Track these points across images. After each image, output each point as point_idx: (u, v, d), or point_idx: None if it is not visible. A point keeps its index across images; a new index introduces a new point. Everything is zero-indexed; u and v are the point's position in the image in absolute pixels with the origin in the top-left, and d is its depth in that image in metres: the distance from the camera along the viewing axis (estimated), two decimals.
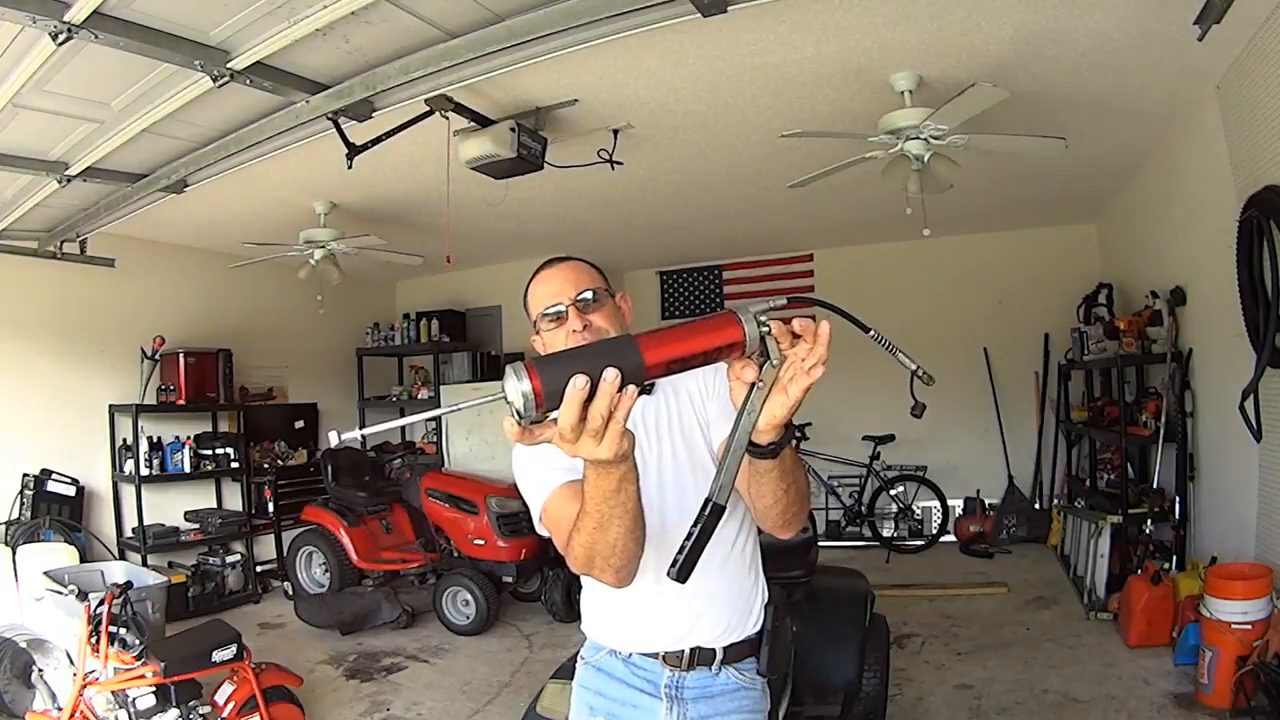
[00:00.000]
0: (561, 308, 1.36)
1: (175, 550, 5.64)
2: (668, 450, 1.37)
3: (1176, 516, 4.44)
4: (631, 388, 0.85)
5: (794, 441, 1.06)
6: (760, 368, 0.91)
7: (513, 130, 3.46)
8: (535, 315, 1.40)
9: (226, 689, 3.04)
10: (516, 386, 0.82)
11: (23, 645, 3.45)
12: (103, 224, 4.40)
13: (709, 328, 0.89)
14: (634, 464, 1.01)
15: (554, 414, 0.85)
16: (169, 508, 5.75)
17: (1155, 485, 4.61)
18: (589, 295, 1.37)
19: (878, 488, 6.86)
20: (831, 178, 3.97)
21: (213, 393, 5.84)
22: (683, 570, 0.92)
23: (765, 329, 0.89)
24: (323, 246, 4.91)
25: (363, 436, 0.88)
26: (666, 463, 1.37)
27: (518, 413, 0.83)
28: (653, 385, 1.42)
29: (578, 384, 0.82)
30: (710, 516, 0.91)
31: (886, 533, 6.81)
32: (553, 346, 1.37)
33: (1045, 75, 3.46)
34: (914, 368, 0.99)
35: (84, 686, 2.94)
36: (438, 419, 6.02)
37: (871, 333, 0.99)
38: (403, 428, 7.84)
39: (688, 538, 0.91)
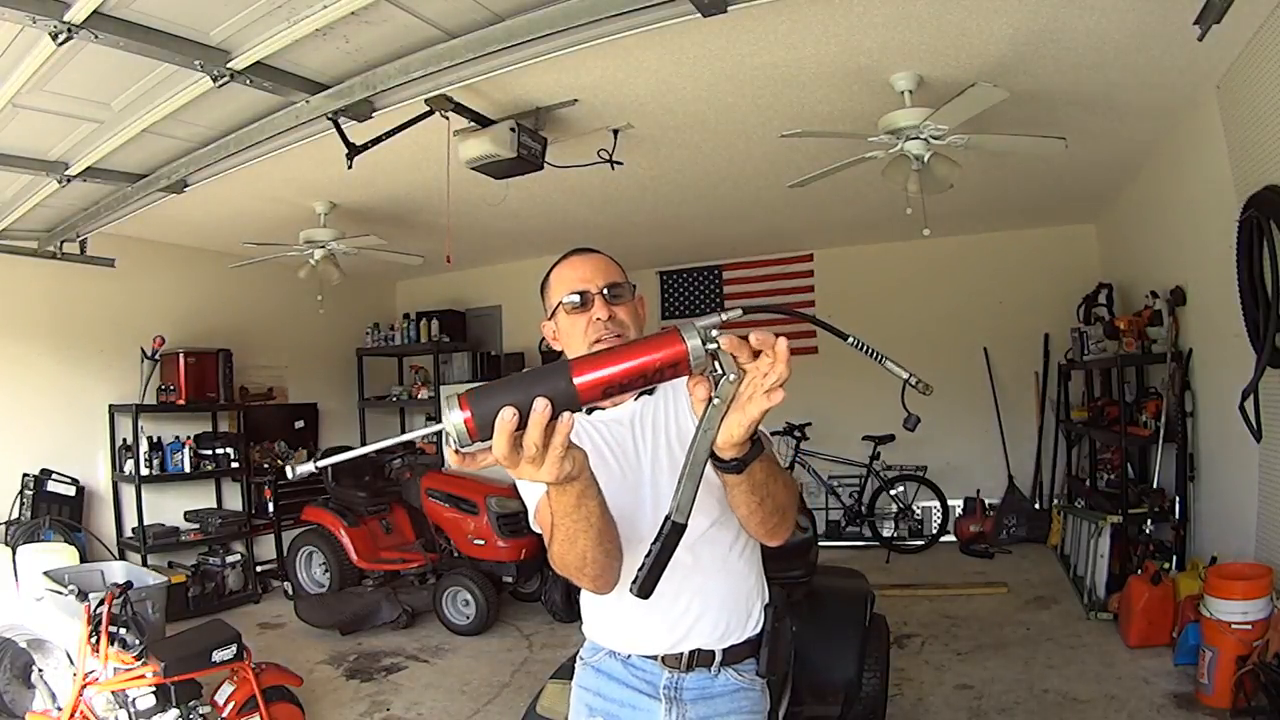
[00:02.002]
0: (589, 293, 1.36)
1: (175, 550, 5.64)
2: (664, 452, 1.36)
3: (1176, 516, 4.44)
4: (566, 415, 0.85)
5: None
6: (716, 384, 0.89)
7: (513, 130, 3.46)
8: (557, 300, 1.40)
9: (226, 689, 3.04)
10: (449, 418, 0.83)
11: (23, 645, 3.45)
12: (103, 224, 4.39)
13: (647, 346, 0.87)
14: (591, 481, 1.01)
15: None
16: (169, 508, 5.75)
17: (1155, 485, 4.61)
18: (618, 288, 1.37)
19: (878, 488, 6.86)
20: (831, 178, 3.96)
21: (213, 393, 5.84)
22: (644, 587, 0.92)
23: (713, 345, 0.87)
24: (323, 246, 4.91)
25: (317, 468, 0.87)
26: (662, 464, 1.36)
27: (456, 442, 0.84)
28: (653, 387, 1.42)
29: (505, 417, 0.82)
30: (670, 535, 0.90)
31: (886, 533, 6.81)
32: (571, 334, 1.38)
33: (1045, 75, 3.46)
34: (906, 376, 0.95)
35: (84, 686, 2.93)
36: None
37: (850, 340, 0.97)
38: (401, 429, 7.84)
39: (648, 555, 0.91)
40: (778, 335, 0.89)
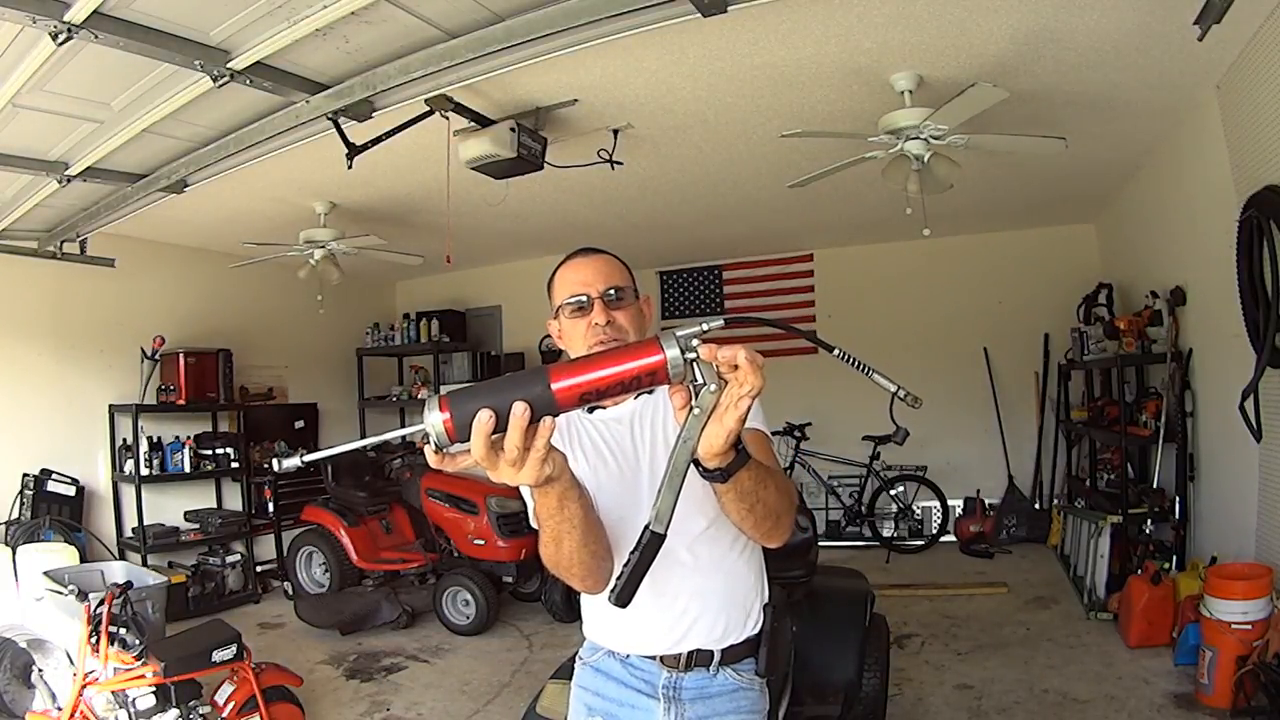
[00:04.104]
0: (589, 298, 1.36)
1: (175, 550, 5.64)
2: (662, 451, 1.36)
3: (1176, 516, 4.44)
4: (547, 419, 0.86)
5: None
6: (697, 393, 0.89)
7: (513, 130, 3.46)
8: (559, 301, 1.40)
9: (226, 689, 3.04)
10: (430, 418, 0.84)
11: (23, 645, 3.45)
12: (103, 224, 4.39)
13: (626, 354, 0.87)
14: (572, 483, 1.02)
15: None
16: (169, 508, 5.75)
17: (1155, 485, 4.61)
18: (618, 291, 1.37)
19: (878, 488, 6.86)
20: (831, 178, 3.97)
21: (213, 393, 5.84)
22: (621, 596, 0.92)
23: (692, 354, 0.87)
24: (323, 246, 4.91)
25: (304, 463, 0.89)
26: (660, 464, 1.34)
27: (435, 441, 0.85)
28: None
29: (482, 419, 0.83)
30: (649, 544, 0.90)
31: (886, 533, 6.81)
32: (572, 336, 1.38)
33: (1045, 75, 3.46)
34: (894, 389, 0.94)
35: (84, 686, 2.93)
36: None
37: (837, 352, 0.96)
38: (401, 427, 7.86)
39: (626, 564, 0.91)
40: (745, 345, 0.88)
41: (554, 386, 0.86)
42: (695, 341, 0.87)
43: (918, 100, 3.41)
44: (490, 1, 2.50)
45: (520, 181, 3.98)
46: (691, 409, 0.90)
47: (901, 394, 0.95)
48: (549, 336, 1.49)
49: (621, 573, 0.92)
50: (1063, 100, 3.75)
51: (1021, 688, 3.62)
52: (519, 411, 0.84)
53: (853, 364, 0.95)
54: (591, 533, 1.12)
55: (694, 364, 0.87)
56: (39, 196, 3.89)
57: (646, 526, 0.90)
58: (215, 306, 6.20)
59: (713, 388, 0.88)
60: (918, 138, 3.42)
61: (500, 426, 0.85)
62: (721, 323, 0.91)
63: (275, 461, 0.89)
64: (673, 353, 0.86)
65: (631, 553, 0.91)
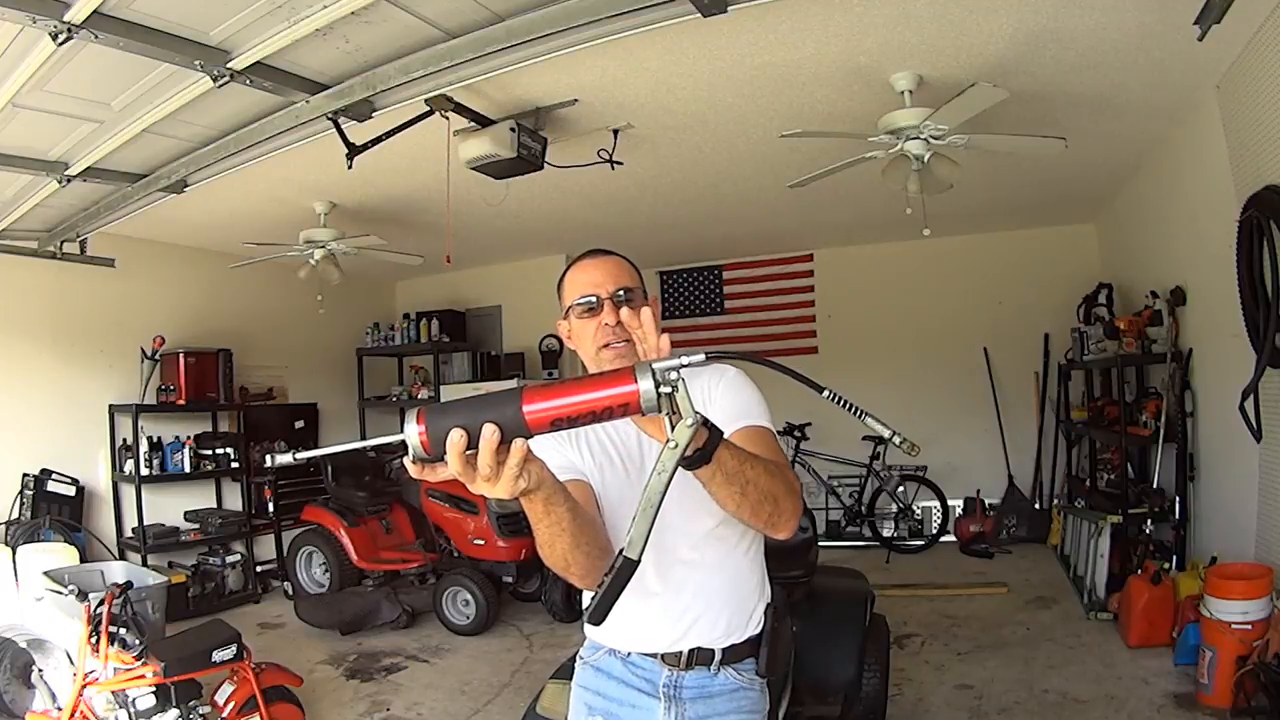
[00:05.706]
0: (599, 299, 1.37)
1: (175, 550, 5.64)
2: None
3: (1176, 516, 4.44)
4: (519, 442, 0.87)
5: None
6: (673, 426, 0.88)
7: (513, 130, 3.46)
8: (569, 302, 1.41)
9: (226, 689, 3.04)
10: (407, 431, 0.86)
11: (23, 645, 3.45)
12: (103, 224, 4.39)
13: (600, 383, 0.87)
14: (555, 489, 1.02)
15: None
16: (169, 508, 5.75)
17: (1155, 485, 4.61)
18: (628, 293, 1.38)
19: (878, 488, 6.86)
20: (831, 178, 3.97)
21: (213, 393, 5.84)
22: (594, 615, 0.94)
23: (669, 388, 0.86)
24: (323, 246, 4.91)
25: (296, 460, 0.92)
26: None
27: (413, 454, 0.87)
28: None
29: (453, 439, 0.85)
30: (622, 569, 0.90)
31: (886, 533, 6.81)
32: (582, 336, 1.40)
33: (1045, 75, 3.46)
34: (889, 434, 0.94)
35: (84, 686, 2.93)
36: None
37: (826, 393, 0.96)
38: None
39: (600, 585, 0.92)
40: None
41: (526, 410, 0.86)
42: (673, 375, 0.86)
43: (918, 100, 3.41)
44: (490, 1, 2.51)
45: (520, 181, 3.98)
46: (668, 441, 0.89)
47: (897, 440, 0.95)
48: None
49: (595, 593, 0.93)
50: (1063, 100, 3.75)
51: (1021, 688, 3.62)
52: (488, 434, 0.85)
53: (845, 406, 0.95)
54: (584, 534, 1.12)
55: (670, 397, 0.87)
56: (39, 196, 3.89)
57: (620, 551, 0.90)
58: (215, 306, 6.19)
59: (690, 421, 0.87)
60: (918, 138, 3.42)
61: (473, 444, 0.86)
62: (702, 357, 0.90)
63: (270, 456, 0.93)
64: (645, 385, 0.85)
65: (604, 575, 0.92)
